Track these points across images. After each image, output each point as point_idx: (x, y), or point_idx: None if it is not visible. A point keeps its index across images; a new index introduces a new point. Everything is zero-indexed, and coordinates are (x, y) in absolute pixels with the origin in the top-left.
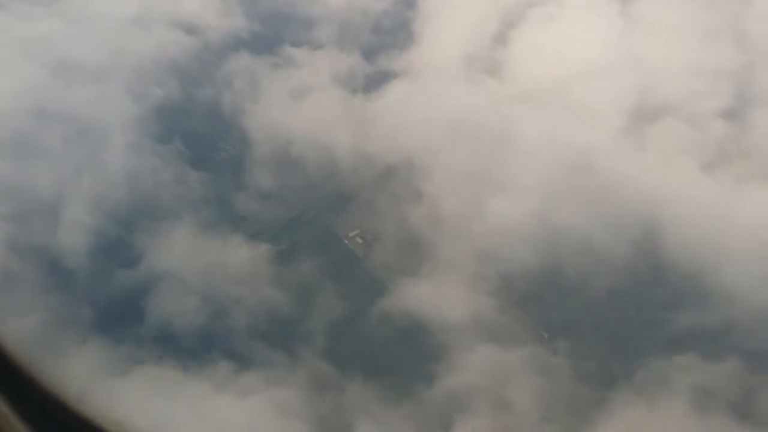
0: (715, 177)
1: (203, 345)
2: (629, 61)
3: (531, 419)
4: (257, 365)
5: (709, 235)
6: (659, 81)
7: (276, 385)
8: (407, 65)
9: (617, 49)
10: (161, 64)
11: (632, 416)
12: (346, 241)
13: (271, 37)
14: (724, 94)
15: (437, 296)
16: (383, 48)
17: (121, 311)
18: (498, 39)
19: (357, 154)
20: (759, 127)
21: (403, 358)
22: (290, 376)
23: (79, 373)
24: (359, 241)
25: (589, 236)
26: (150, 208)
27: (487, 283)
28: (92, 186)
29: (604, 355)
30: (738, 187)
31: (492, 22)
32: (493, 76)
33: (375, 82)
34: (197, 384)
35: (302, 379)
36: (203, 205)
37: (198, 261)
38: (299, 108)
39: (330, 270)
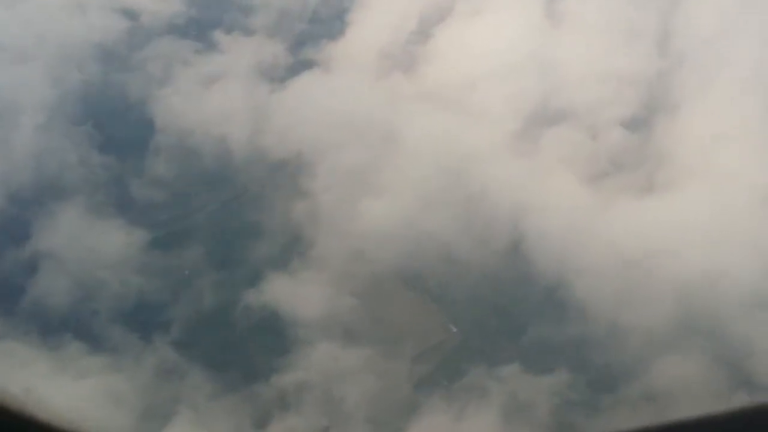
0: (595, 188)
1: (63, 325)
2: (541, 63)
3: (352, 420)
4: (107, 349)
5: (574, 249)
6: (567, 85)
7: (117, 370)
8: (329, 57)
9: (532, 50)
10: (86, 47)
11: (439, 422)
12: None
13: (204, 22)
14: (631, 101)
15: (302, 292)
16: (313, 38)
17: (3, 287)
18: (420, 33)
19: (252, 146)
20: (657, 138)
21: (251, 351)
22: (136, 362)
23: None
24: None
25: (454, 243)
26: (50, 189)
27: (352, 282)
28: None
29: (442, 361)
30: (615, 200)
31: (419, 15)
32: (405, 72)
33: (294, 72)
34: (45, 362)
35: (146, 366)
36: (100, 188)
37: (79, 243)
38: (207, 96)
39: (205, 260)
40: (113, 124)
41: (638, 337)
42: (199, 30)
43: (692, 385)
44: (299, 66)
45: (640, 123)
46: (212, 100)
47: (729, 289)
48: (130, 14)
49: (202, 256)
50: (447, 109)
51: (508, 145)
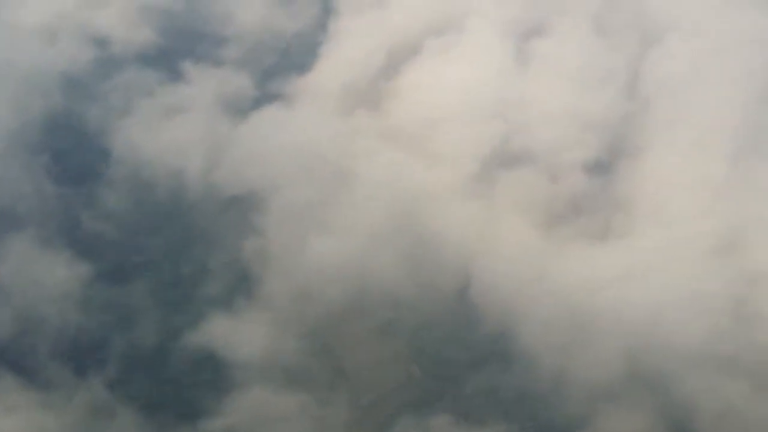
0: (550, 233)
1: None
2: (507, 104)
3: None
4: (40, 385)
5: (522, 296)
6: (531, 127)
7: (48, 407)
8: (294, 91)
9: (498, 91)
10: (52, 76)
11: None
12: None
13: (175, 52)
14: (595, 145)
15: (244, 333)
16: (283, 71)
17: None
18: (388, 70)
19: (207, 181)
20: (619, 182)
21: (184, 394)
22: (68, 399)
23: None
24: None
25: (401, 286)
26: (2, 219)
27: (296, 324)
28: None
29: (378, 408)
30: (568, 246)
31: (389, 51)
32: (370, 109)
33: (258, 105)
34: None
35: (78, 404)
36: (51, 220)
37: (24, 275)
38: (167, 128)
39: (149, 297)
40: (71, 155)
41: (582, 390)
42: (168, 60)
43: None
44: (264, 99)
45: (602, 167)
46: (172, 132)
47: (677, 343)
48: (101, 42)
49: (147, 292)
50: (407, 148)
51: (464, 187)
